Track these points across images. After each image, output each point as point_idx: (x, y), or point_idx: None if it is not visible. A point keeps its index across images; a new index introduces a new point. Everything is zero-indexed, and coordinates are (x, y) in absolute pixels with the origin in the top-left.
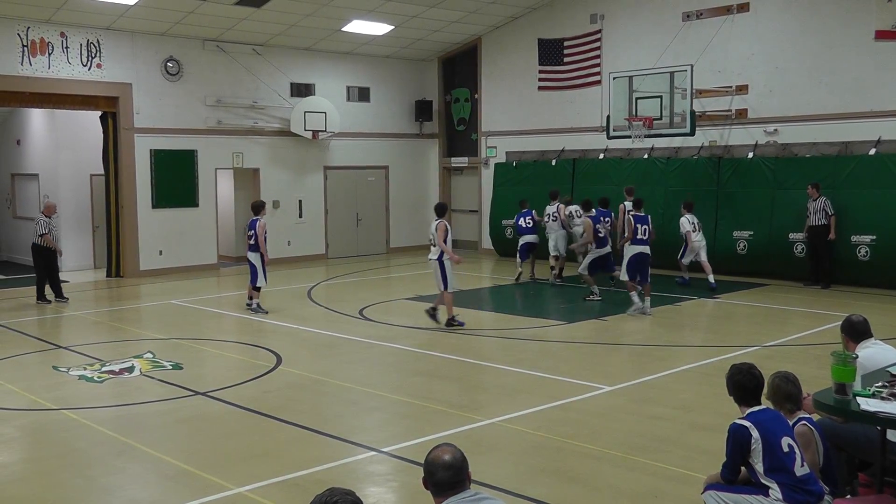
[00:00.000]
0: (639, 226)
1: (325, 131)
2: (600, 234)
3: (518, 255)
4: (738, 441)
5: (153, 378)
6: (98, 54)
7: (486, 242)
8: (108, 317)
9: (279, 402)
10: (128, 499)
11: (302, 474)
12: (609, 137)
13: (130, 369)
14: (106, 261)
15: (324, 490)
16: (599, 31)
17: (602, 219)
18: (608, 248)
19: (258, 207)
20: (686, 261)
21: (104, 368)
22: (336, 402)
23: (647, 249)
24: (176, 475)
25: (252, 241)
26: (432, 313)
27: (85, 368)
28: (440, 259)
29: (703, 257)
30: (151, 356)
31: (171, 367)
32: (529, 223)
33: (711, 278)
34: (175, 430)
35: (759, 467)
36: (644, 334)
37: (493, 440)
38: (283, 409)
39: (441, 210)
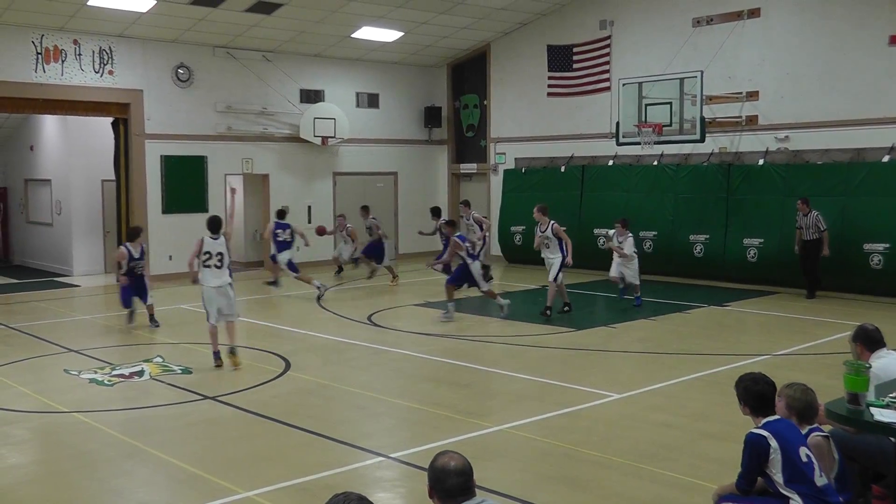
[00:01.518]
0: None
1: (335, 137)
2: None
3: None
4: (755, 451)
5: (163, 382)
6: (110, 61)
7: (495, 249)
8: (118, 321)
9: (288, 406)
10: (137, 502)
11: (310, 479)
12: (618, 144)
13: (140, 373)
14: (116, 265)
15: (339, 493)
16: (609, 37)
17: (279, 231)
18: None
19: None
20: (616, 273)
21: (115, 372)
22: (344, 408)
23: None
24: (185, 479)
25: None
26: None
27: (96, 372)
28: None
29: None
30: (161, 360)
31: (180, 372)
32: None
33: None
34: (184, 433)
35: (779, 478)
36: (653, 342)
37: (501, 447)
38: (291, 413)
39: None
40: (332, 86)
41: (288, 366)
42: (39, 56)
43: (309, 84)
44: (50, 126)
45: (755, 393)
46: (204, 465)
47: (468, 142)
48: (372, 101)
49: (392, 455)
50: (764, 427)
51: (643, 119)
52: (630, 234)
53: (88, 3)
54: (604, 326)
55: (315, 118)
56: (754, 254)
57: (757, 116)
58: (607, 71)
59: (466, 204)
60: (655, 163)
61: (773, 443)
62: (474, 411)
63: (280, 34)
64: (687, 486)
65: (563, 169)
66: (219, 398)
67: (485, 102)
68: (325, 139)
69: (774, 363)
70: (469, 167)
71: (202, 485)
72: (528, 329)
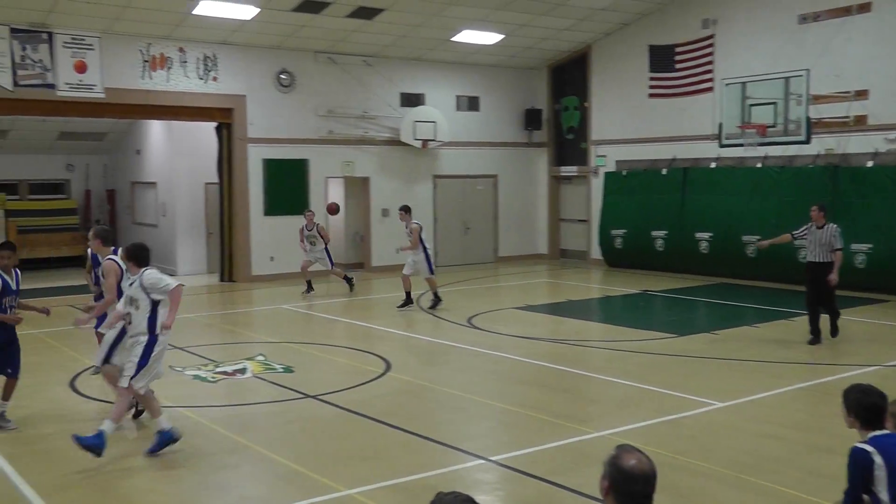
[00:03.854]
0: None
1: (435, 140)
2: None
3: None
4: (859, 467)
5: (265, 380)
6: (214, 68)
7: (596, 252)
8: (221, 320)
9: (388, 407)
10: (240, 496)
11: (410, 479)
12: (721, 146)
13: (243, 371)
14: (219, 266)
15: (446, 492)
16: (712, 36)
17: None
18: None
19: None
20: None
21: (218, 369)
22: (443, 409)
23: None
24: (286, 475)
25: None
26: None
27: (199, 369)
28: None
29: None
30: (263, 359)
31: (282, 370)
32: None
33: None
34: (286, 430)
35: (884, 496)
36: (757, 349)
37: (602, 453)
38: (391, 414)
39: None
40: (432, 89)
41: (388, 367)
42: (146, 64)
43: (409, 88)
44: (156, 131)
45: (866, 405)
46: (305, 462)
47: (568, 144)
48: (472, 104)
49: (492, 458)
50: (870, 441)
51: (747, 120)
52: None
53: (193, 12)
54: (706, 333)
55: (415, 121)
56: (863, 260)
57: (866, 116)
58: (710, 71)
59: (406, 210)
60: (759, 165)
61: (878, 459)
62: (574, 416)
63: (381, 39)
64: (793, 500)
65: (664, 171)
66: (319, 397)
67: (585, 104)
68: (425, 142)
69: (884, 374)
70: (569, 170)
71: (303, 481)
72: (628, 334)
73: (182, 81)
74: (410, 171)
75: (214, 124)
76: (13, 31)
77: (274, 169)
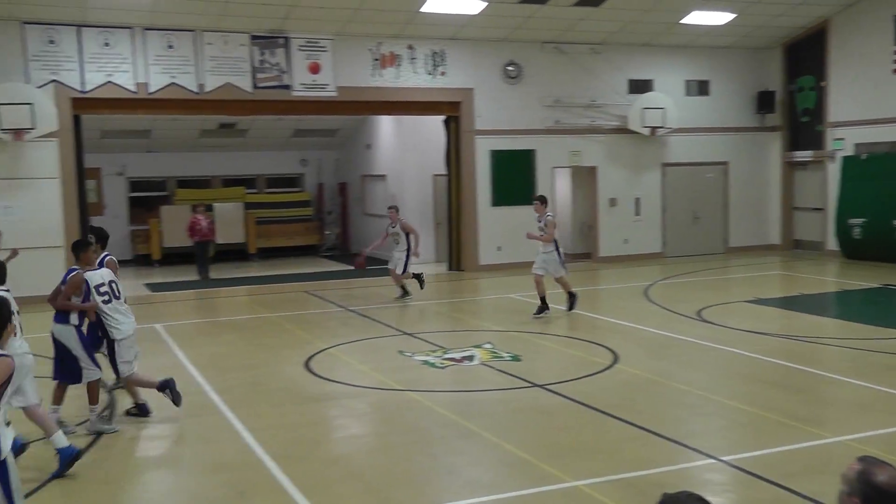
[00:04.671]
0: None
1: (663, 127)
2: None
3: None
4: None
5: (492, 368)
6: (442, 63)
7: (832, 243)
8: (449, 307)
9: (615, 399)
10: (469, 480)
11: (637, 475)
12: None
13: (471, 358)
14: (447, 255)
15: (678, 491)
16: None
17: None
18: None
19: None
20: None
21: (446, 356)
22: (672, 405)
23: None
24: (514, 462)
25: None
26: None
27: (428, 354)
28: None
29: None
30: (491, 347)
31: (509, 359)
32: None
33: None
34: (513, 418)
35: None
36: None
37: (841, 460)
38: (618, 407)
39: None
40: (660, 75)
41: (615, 358)
42: (377, 62)
43: (637, 74)
44: (385, 126)
45: None
46: (532, 451)
47: (803, 127)
48: (701, 88)
49: (722, 458)
50: None
51: None
52: None
53: (422, 10)
54: None
55: (643, 108)
56: None
57: None
58: None
59: (543, 201)
60: None
61: None
62: (810, 419)
63: (608, 26)
64: None
65: None
66: (546, 386)
67: (822, 84)
68: (653, 129)
69: None
70: (804, 155)
71: (530, 469)
72: (866, 332)
73: (411, 77)
74: (638, 160)
75: (442, 117)
76: (253, 37)
77: (501, 160)
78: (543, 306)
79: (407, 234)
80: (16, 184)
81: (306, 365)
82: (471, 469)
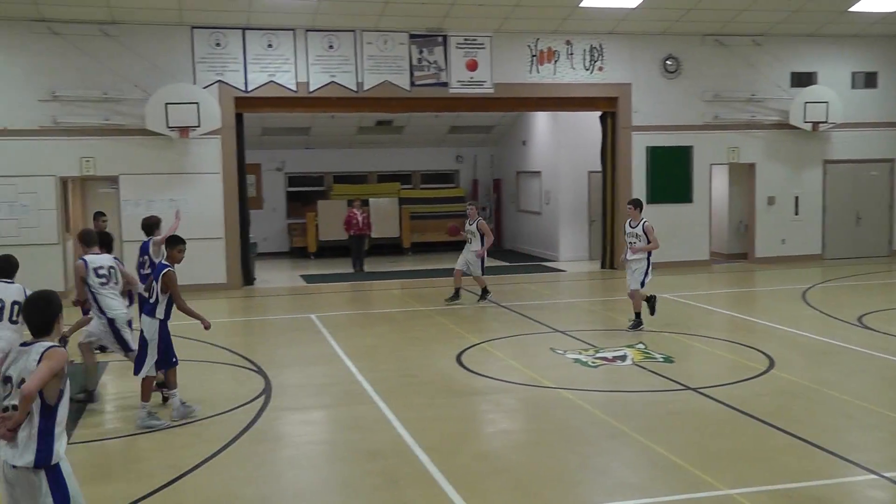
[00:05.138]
0: None
1: (826, 122)
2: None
3: None
4: None
5: (644, 368)
6: (600, 58)
7: None
8: (601, 306)
9: (771, 406)
10: (619, 481)
11: (794, 486)
12: None
13: (623, 358)
14: (601, 253)
15: None
16: None
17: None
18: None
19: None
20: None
21: (598, 354)
22: (831, 414)
23: None
24: (665, 466)
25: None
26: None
27: (580, 353)
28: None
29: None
30: (643, 347)
31: (662, 360)
32: None
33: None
34: (665, 421)
35: None
36: None
37: None
38: (774, 414)
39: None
40: (825, 67)
41: (771, 364)
42: (534, 58)
43: (800, 66)
44: (541, 122)
45: None
46: (684, 456)
47: None
48: (869, 80)
49: (886, 474)
50: None
51: None
52: None
53: (581, 5)
54: None
55: (805, 102)
56: None
57: None
58: None
59: (637, 205)
60: None
61: None
62: None
63: (772, 16)
64: None
65: None
66: (700, 390)
67: None
68: (815, 125)
69: None
70: None
71: (682, 475)
72: None
73: (568, 73)
74: (799, 157)
75: (599, 113)
76: (412, 36)
77: (657, 156)
78: (639, 320)
79: (482, 235)
80: (181, 178)
81: (458, 359)
82: (622, 470)
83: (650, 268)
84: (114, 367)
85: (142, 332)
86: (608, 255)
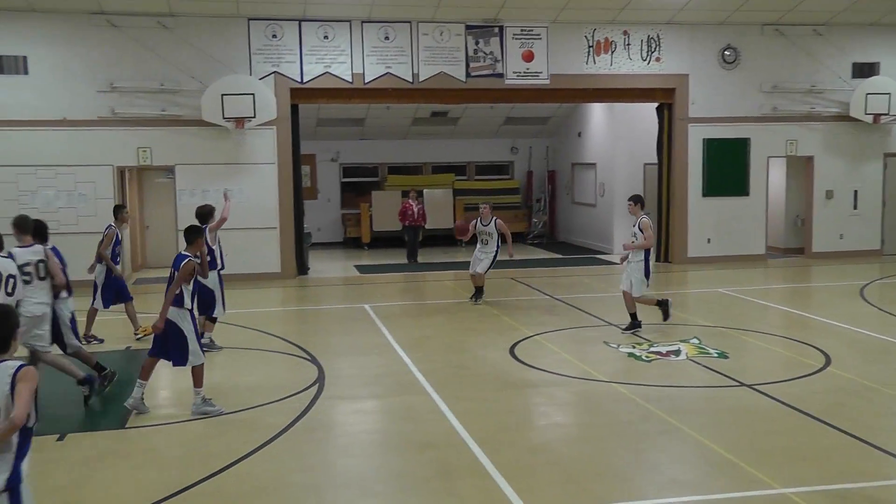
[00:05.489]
0: None
1: (888, 114)
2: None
3: None
4: None
5: (699, 364)
6: (657, 48)
7: None
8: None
9: (826, 404)
10: (672, 477)
11: (850, 487)
12: None
13: (677, 352)
14: (656, 246)
15: None
16: None
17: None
18: None
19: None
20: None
21: (652, 349)
22: (889, 414)
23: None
24: (718, 463)
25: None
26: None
27: (634, 347)
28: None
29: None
30: (697, 342)
31: (716, 355)
32: None
33: None
34: (719, 418)
35: None
36: None
37: None
38: (830, 412)
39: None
40: (888, 56)
41: (827, 361)
42: (591, 49)
43: (862, 57)
44: (597, 113)
45: None
46: (738, 453)
47: None
48: None
49: None
50: None
51: None
52: None
53: None
54: None
55: (867, 94)
56: None
57: None
58: None
59: (637, 201)
60: None
61: None
62: None
63: (834, 4)
64: None
65: None
66: (755, 386)
67: None
68: (876, 116)
69: None
70: None
71: (735, 472)
72: None
73: (625, 64)
74: (859, 150)
75: (655, 105)
76: (468, 27)
77: (714, 149)
78: (635, 322)
79: (500, 235)
80: (236, 168)
81: (511, 351)
82: (674, 467)
83: (649, 267)
84: None
85: (174, 324)
86: (663, 248)
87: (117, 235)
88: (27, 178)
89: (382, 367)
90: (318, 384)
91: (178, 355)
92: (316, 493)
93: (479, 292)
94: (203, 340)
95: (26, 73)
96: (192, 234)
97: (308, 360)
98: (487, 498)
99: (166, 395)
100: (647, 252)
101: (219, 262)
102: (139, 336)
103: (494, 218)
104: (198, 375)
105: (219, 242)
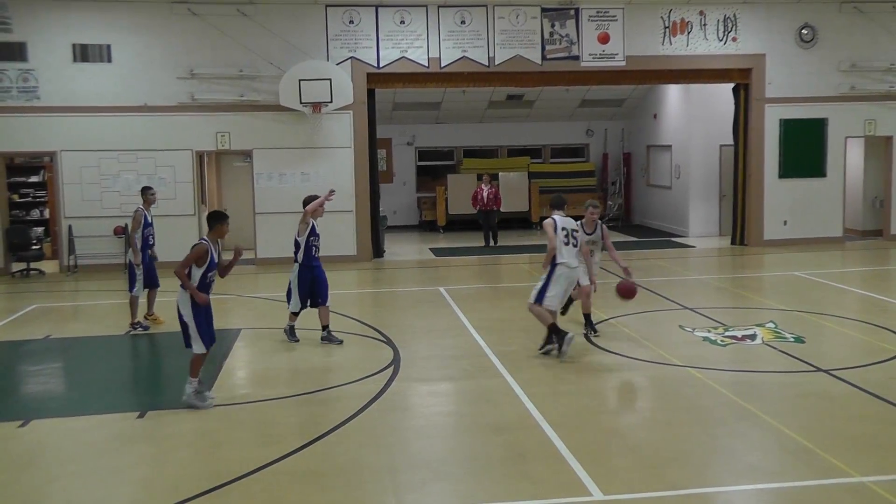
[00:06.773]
0: None
1: None
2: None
3: None
4: None
5: (775, 348)
6: (734, 28)
7: None
8: (731, 283)
9: None
10: (749, 464)
11: None
12: None
13: (752, 337)
14: (731, 228)
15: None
16: None
17: None
18: None
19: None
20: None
21: (727, 333)
22: None
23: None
24: (796, 451)
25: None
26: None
27: (709, 331)
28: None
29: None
30: (773, 326)
31: (793, 340)
32: None
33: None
34: (796, 404)
35: None
36: None
37: None
38: None
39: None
40: None
41: None
42: (667, 30)
43: None
44: (672, 95)
45: None
46: (815, 440)
47: None
48: None
49: None
50: None
51: None
52: None
53: None
54: None
55: None
56: None
57: None
58: None
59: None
60: None
61: None
62: None
63: None
64: None
65: None
66: (832, 372)
67: None
68: None
69: None
70: None
71: (813, 460)
72: None
73: (701, 44)
74: None
75: (731, 85)
76: (544, 10)
77: (791, 129)
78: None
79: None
80: (313, 153)
81: (586, 335)
82: (751, 453)
83: (549, 281)
84: (246, 335)
85: (178, 307)
86: (739, 231)
87: (146, 217)
88: (109, 161)
89: (457, 350)
90: (393, 366)
91: (185, 338)
92: (391, 474)
93: (587, 321)
94: (322, 334)
95: (110, 60)
96: (213, 220)
97: (384, 342)
98: (561, 481)
99: (243, 376)
100: (553, 259)
101: (298, 256)
102: (130, 330)
103: (601, 224)
104: (194, 364)
105: (308, 233)
